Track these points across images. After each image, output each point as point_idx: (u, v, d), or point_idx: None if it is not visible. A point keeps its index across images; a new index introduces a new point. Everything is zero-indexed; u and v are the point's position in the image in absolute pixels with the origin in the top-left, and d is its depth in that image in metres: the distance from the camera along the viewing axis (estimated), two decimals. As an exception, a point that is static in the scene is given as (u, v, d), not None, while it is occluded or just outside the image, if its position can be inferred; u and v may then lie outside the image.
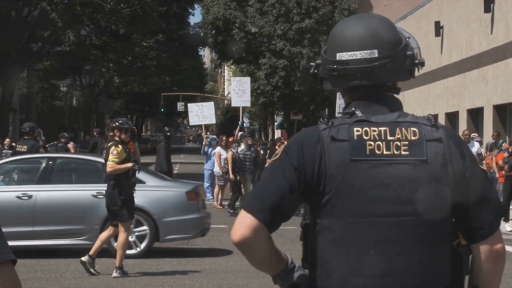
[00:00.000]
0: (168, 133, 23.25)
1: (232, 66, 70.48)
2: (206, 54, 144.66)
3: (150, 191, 12.72)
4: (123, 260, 11.07)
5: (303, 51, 40.92)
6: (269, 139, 46.95)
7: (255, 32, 42.38)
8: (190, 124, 27.81)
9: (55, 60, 41.33)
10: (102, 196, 12.60)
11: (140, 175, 11.83)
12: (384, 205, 2.59)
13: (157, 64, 42.41)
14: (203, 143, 24.94)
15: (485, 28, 25.56)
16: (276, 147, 22.76)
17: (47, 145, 29.54)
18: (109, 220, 11.54)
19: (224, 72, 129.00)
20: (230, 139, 24.03)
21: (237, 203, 20.43)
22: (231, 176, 20.57)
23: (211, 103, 26.66)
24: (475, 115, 27.31)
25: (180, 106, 55.94)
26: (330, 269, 2.62)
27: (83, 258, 11.14)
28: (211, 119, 25.52)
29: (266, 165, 23.36)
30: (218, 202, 22.07)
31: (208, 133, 27.55)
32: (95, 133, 32.40)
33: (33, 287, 10.28)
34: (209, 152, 23.60)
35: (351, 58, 2.68)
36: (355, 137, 2.62)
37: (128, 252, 12.14)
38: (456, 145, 2.67)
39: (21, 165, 13.87)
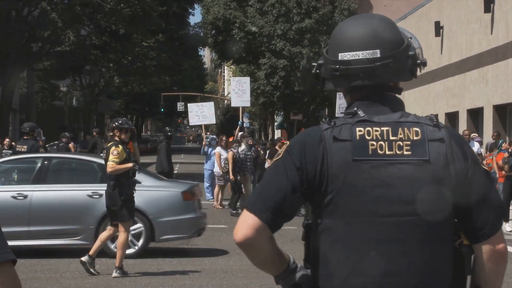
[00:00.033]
0: (169, 133, 23.20)
1: (232, 66, 70.49)
2: (206, 54, 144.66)
3: (145, 191, 12.68)
4: (123, 260, 11.06)
5: (303, 51, 40.92)
6: (269, 139, 46.98)
7: (255, 32, 42.39)
8: (190, 124, 27.79)
9: (55, 60, 41.33)
10: (97, 196, 12.61)
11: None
12: (386, 205, 2.59)
13: (157, 64, 42.41)
14: (203, 143, 24.93)
15: (485, 28, 25.56)
16: (277, 147, 22.75)
17: (47, 145, 29.54)
18: (109, 220, 11.53)
19: (224, 72, 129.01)
20: (230, 139, 24.01)
21: (238, 203, 20.43)
22: (231, 177, 20.56)
23: (211, 103, 26.65)
24: (475, 115, 27.31)
25: (180, 106, 55.94)
26: (332, 269, 2.62)
27: (83, 258, 11.14)
28: (211, 119, 25.50)
29: (265, 165, 23.46)
30: (218, 202, 22.06)
31: (208, 133, 27.54)
32: (94, 133, 32.42)
33: (33, 287, 10.27)
34: (209, 152, 23.59)
35: (353, 58, 2.68)
36: (358, 137, 2.62)
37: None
38: (458, 145, 2.67)
39: (16, 165, 13.79)
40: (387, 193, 2.59)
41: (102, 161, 13.47)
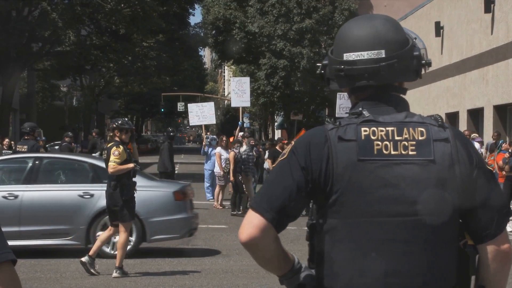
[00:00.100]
0: (171, 133, 23.20)
1: (232, 66, 70.51)
2: (206, 54, 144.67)
3: (137, 191, 12.62)
4: (123, 260, 11.06)
5: (303, 51, 40.93)
6: (268, 139, 46.99)
7: (255, 32, 42.39)
8: (190, 124, 27.77)
9: (56, 60, 41.32)
10: (88, 196, 12.60)
11: None
12: (391, 205, 2.59)
13: (157, 64, 42.38)
14: (203, 143, 24.92)
15: (486, 29, 25.56)
16: (277, 147, 22.72)
17: (47, 145, 29.56)
18: (109, 221, 11.51)
19: (224, 72, 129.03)
20: (231, 139, 24.00)
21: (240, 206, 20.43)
22: (231, 177, 20.54)
23: (211, 103, 26.64)
24: (475, 115, 27.32)
25: (180, 106, 55.92)
26: (337, 269, 2.62)
27: (83, 259, 11.13)
28: (211, 119, 25.50)
29: (264, 166, 23.43)
30: (219, 203, 22.05)
31: (208, 133, 27.53)
32: (94, 134, 32.42)
33: (33, 287, 10.27)
34: (209, 152, 23.58)
35: (358, 58, 2.68)
36: (363, 137, 2.62)
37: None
38: (463, 145, 2.67)
39: (7, 165, 13.69)
40: (392, 193, 2.59)
41: (94, 161, 13.47)
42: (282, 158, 2.70)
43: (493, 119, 25.16)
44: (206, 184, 24.14)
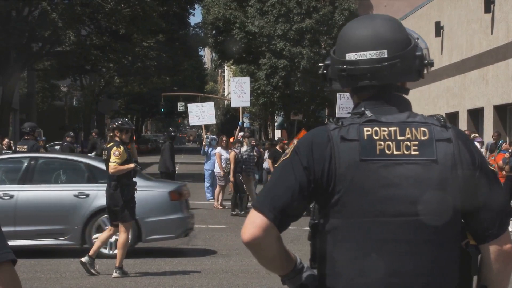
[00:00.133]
0: (172, 134, 23.21)
1: (232, 66, 70.53)
2: (206, 54, 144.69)
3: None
4: (123, 260, 11.06)
5: (303, 51, 40.93)
6: (268, 139, 46.95)
7: (255, 32, 42.39)
8: (190, 124, 27.76)
9: (56, 60, 41.33)
10: (84, 196, 12.59)
11: None
12: (393, 205, 2.59)
13: (157, 64, 42.36)
14: (203, 143, 24.92)
15: (486, 29, 25.56)
16: (278, 147, 22.70)
17: (47, 145, 29.56)
18: (109, 221, 11.51)
19: (224, 72, 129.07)
20: (231, 139, 23.99)
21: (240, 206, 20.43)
22: (231, 178, 20.52)
23: (211, 103, 26.63)
24: (475, 115, 27.32)
25: (180, 106, 55.90)
26: (339, 268, 2.62)
27: (83, 259, 11.13)
28: (211, 119, 25.49)
29: (263, 166, 23.40)
30: (219, 203, 22.05)
31: (208, 133, 27.52)
32: (93, 134, 32.42)
33: (34, 287, 10.27)
34: (209, 152, 23.58)
35: (360, 58, 2.69)
36: (365, 137, 2.62)
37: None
38: (465, 146, 2.67)
39: (3, 164, 13.62)
40: (395, 193, 2.59)
41: (89, 161, 13.45)
42: (284, 158, 2.70)
43: (493, 119, 25.16)
44: (206, 184, 24.13)
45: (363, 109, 2.70)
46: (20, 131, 21.92)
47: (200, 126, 26.60)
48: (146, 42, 41.83)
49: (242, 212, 19.75)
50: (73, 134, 27.30)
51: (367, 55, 2.68)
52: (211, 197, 23.36)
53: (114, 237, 11.97)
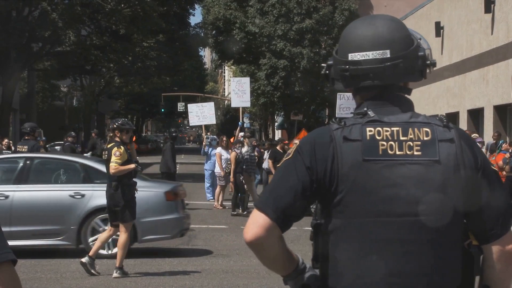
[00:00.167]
0: (173, 134, 23.24)
1: (233, 67, 70.52)
2: (207, 55, 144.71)
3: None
4: (123, 261, 11.06)
5: (303, 51, 40.91)
6: (268, 139, 46.89)
7: (255, 32, 42.38)
8: (190, 124, 27.74)
9: (56, 60, 41.32)
10: (79, 196, 12.59)
11: None
12: (396, 205, 2.59)
13: (157, 64, 42.34)
14: (203, 143, 24.92)
15: (486, 29, 25.57)
16: (278, 147, 22.68)
17: (47, 145, 29.55)
18: (109, 221, 11.51)
19: (224, 73, 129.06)
20: (231, 139, 23.98)
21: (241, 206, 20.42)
22: (232, 178, 20.51)
23: (211, 104, 26.62)
24: (476, 115, 27.32)
25: (180, 106, 55.89)
26: (341, 268, 2.63)
27: (83, 259, 11.13)
28: (211, 120, 25.48)
29: (262, 165, 23.37)
30: (219, 203, 22.04)
31: (208, 133, 27.51)
32: (93, 134, 32.42)
33: (34, 287, 10.27)
34: (209, 153, 23.58)
35: (363, 58, 2.69)
36: (368, 137, 2.63)
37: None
38: (468, 146, 2.68)
39: None
40: (397, 194, 2.59)
41: (85, 161, 13.44)
42: (287, 158, 2.70)
43: (493, 119, 25.16)
44: (207, 185, 24.13)
45: (365, 109, 2.70)
46: (20, 131, 21.90)
47: (200, 126, 26.58)
48: (146, 42, 41.81)
49: (245, 213, 19.74)
50: (75, 134, 27.30)
51: (370, 55, 2.68)
52: (211, 197, 23.36)
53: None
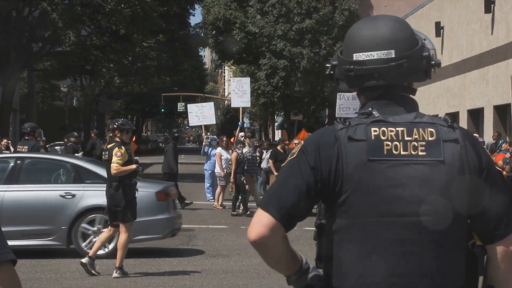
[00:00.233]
0: (175, 134, 23.24)
1: (233, 67, 70.52)
2: (207, 55, 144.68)
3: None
4: (123, 261, 11.05)
5: (303, 51, 40.90)
6: (267, 139, 46.90)
7: (255, 32, 42.38)
8: (190, 124, 27.75)
9: (56, 60, 41.32)
10: (70, 197, 12.58)
11: None
12: (400, 205, 2.60)
13: (157, 64, 42.34)
14: (203, 143, 24.92)
15: (486, 29, 25.57)
16: (279, 148, 22.66)
17: (47, 145, 29.54)
18: (109, 221, 11.50)
19: (224, 73, 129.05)
20: (231, 140, 23.97)
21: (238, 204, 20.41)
22: (232, 179, 20.50)
23: (211, 104, 26.62)
24: (476, 115, 27.32)
25: (180, 106, 55.86)
26: (345, 268, 2.63)
27: (83, 260, 11.13)
28: (211, 120, 25.48)
29: (262, 165, 23.35)
30: (219, 203, 22.04)
31: (208, 134, 27.51)
32: (93, 135, 32.43)
33: (34, 287, 10.27)
34: (209, 153, 23.58)
35: (368, 58, 2.69)
36: (373, 137, 2.63)
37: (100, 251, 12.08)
38: (472, 146, 2.68)
39: None
40: (402, 194, 2.59)
41: (76, 161, 13.42)
42: (291, 157, 2.70)
43: (493, 119, 25.16)
44: (207, 185, 24.13)
45: (370, 109, 2.70)
46: (21, 131, 21.91)
47: (200, 126, 26.59)
48: (146, 42, 41.81)
49: (248, 213, 19.73)
50: (77, 134, 27.28)
51: (375, 55, 2.68)
52: (211, 198, 23.35)
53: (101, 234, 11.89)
